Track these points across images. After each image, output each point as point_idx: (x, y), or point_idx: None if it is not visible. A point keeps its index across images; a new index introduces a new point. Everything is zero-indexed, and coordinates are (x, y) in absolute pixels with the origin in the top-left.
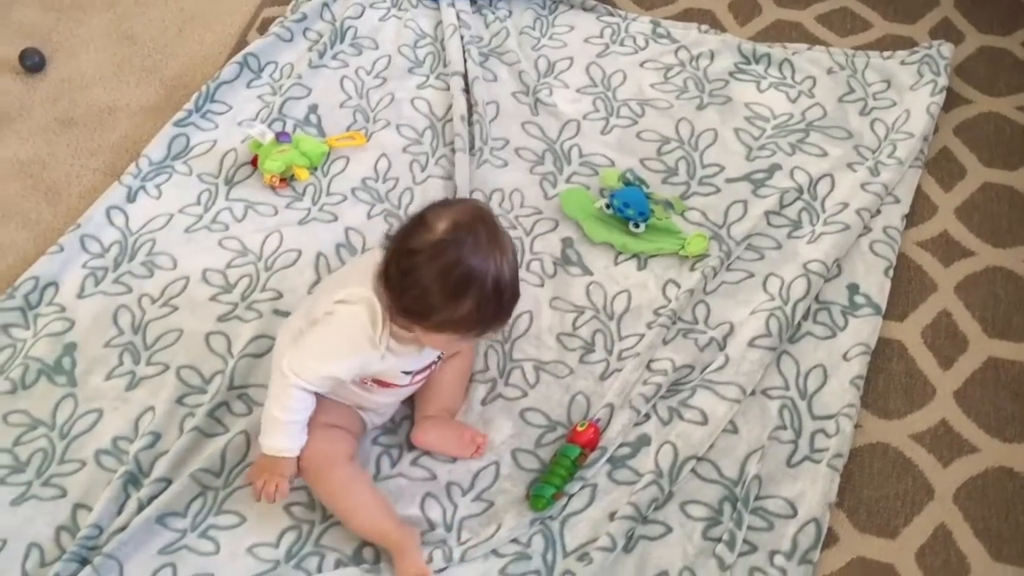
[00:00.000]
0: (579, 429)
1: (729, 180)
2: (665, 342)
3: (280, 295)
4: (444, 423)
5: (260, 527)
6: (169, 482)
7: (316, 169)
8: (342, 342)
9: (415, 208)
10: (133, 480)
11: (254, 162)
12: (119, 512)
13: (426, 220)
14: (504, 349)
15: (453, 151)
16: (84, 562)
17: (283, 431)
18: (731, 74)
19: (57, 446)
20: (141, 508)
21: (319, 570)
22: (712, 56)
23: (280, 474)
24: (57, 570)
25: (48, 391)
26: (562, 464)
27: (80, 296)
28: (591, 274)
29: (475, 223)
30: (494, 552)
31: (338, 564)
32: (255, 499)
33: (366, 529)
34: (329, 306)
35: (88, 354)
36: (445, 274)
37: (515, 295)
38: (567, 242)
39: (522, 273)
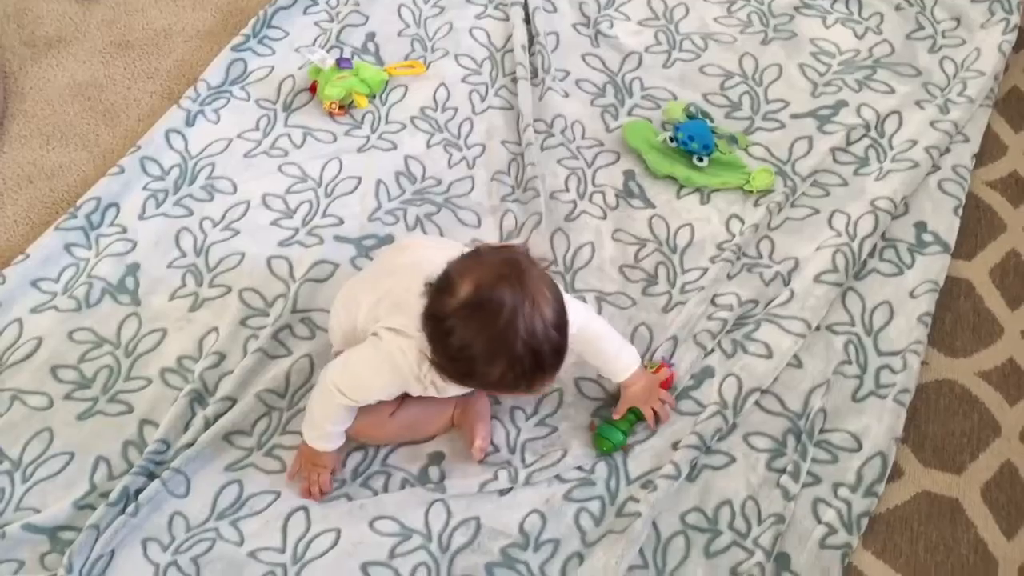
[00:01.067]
0: (651, 371)
1: (794, 116)
2: (729, 276)
3: (341, 221)
4: (471, 415)
5: None
6: (234, 401)
7: (375, 97)
8: (388, 373)
9: (475, 138)
10: (199, 398)
11: (312, 88)
12: (185, 429)
13: (451, 281)
14: (567, 280)
15: (514, 81)
16: (151, 476)
17: (326, 437)
18: (796, 8)
19: (122, 364)
20: (207, 426)
21: (385, 489)
22: None
23: (323, 466)
24: (126, 483)
25: (112, 310)
26: (632, 410)
27: (141, 218)
28: (653, 207)
29: (499, 281)
30: (558, 477)
31: (404, 484)
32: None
33: (432, 433)
34: (380, 328)
35: (151, 275)
36: (468, 345)
37: (556, 347)
38: (629, 175)
39: (583, 204)
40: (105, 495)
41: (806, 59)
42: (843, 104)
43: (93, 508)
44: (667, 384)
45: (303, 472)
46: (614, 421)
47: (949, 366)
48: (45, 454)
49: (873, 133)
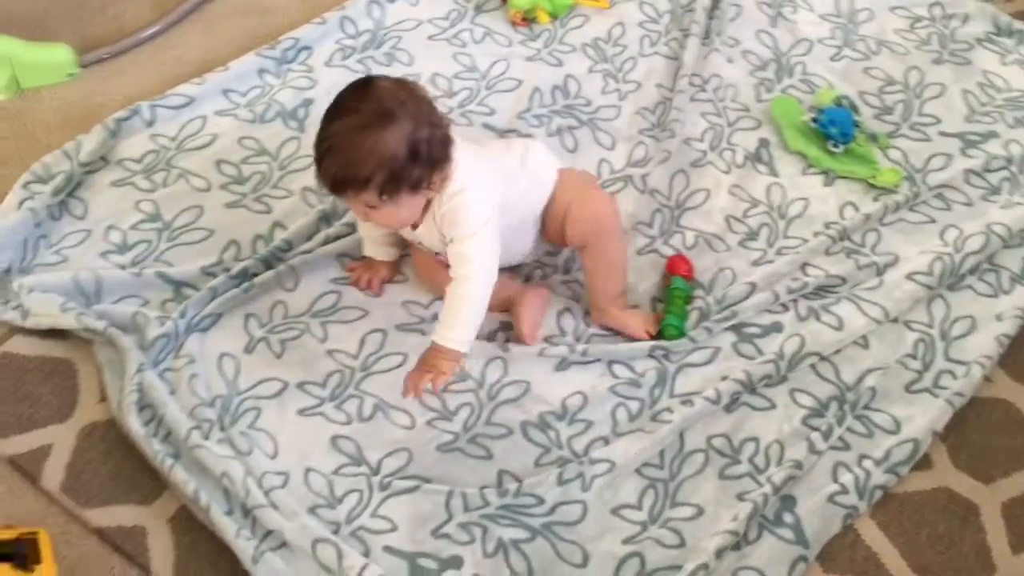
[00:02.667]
0: (675, 259)
1: (942, 133)
2: (827, 253)
3: (492, 112)
4: (522, 304)
5: (416, 290)
6: (354, 229)
7: (556, 19)
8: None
9: (633, 76)
10: (326, 219)
11: None
12: (308, 239)
13: None
14: (673, 214)
15: (686, 36)
16: (269, 266)
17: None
18: (979, 40)
19: (274, 174)
20: (327, 242)
21: None
22: (965, 19)
23: (446, 371)
24: (247, 264)
25: (280, 130)
26: (679, 297)
27: (327, 64)
28: (777, 176)
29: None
30: (610, 370)
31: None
32: (406, 394)
33: (495, 305)
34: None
35: (320, 112)
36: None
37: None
38: (763, 143)
39: (712, 156)
40: (228, 270)
41: (972, 87)
42: (993, 135)
43: (215, 276)
44: (691, 272)
45: (427, 378)
46: (670, 309)
47: (1011, 389)
48: (191, 225)
49: (1013, 168)
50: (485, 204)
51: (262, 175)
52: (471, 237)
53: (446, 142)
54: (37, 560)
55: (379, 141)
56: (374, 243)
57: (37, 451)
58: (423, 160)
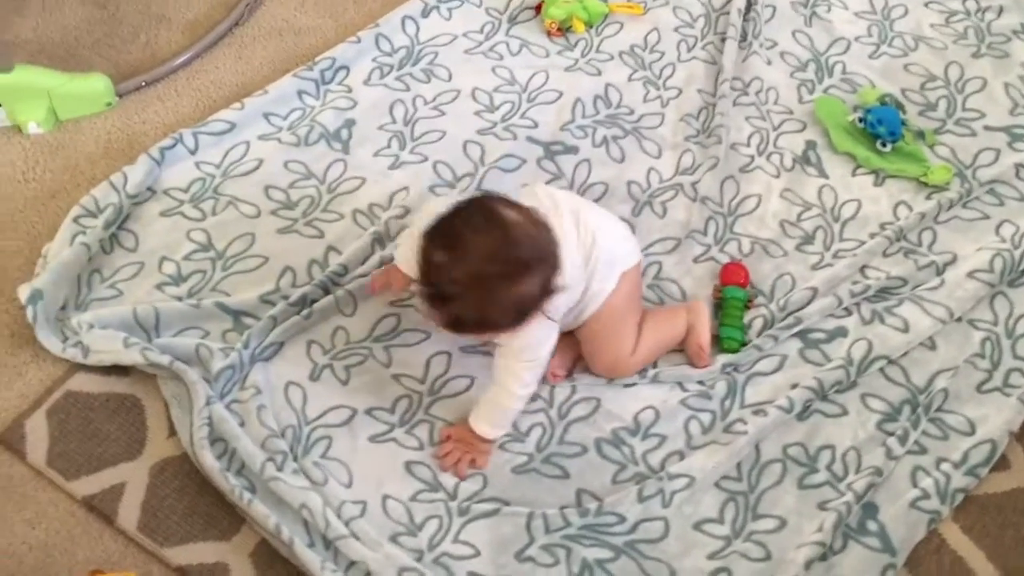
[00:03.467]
0: (730, 266)
1: (987, 128)
2: (884, 254)
3: (535, 124)
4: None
5: None
6: None
7: (591, 27)
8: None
9: (673, 82)
10: (379, 240)
11: (538, 8)
12: (363, 262)
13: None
14: (726, 221)
15: (723, 40)
16: (327, 292)
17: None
18: (1015, 32)
19: (323, 197)
20: (382, 264)
21: None
22: (1000, 11)
23: (485, 452)
24: (306, 291)
25: (324, 152)
26: (735, 306)
27: (366, 83)
28: (827, 178)
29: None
30: (680, 385)
31: None
32: (443, 470)
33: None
34: None
35: (363, 132)
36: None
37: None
38: (810, 144)
39: (760, 161)
40: (286, 297)
41: (1013, 79)
42: None
43: (274, 304)
44: (747, 279)
45: (458, 454)
46: (726, 320)
47: None
48: (245, 253)
49: None
50: (553, 331)
51: (311, 199)
52: (530, 362)
53: (559, 262)
54: None
55: (520, 295)
56: (408, 261)
57: (110, 490)
58: (551, 293)
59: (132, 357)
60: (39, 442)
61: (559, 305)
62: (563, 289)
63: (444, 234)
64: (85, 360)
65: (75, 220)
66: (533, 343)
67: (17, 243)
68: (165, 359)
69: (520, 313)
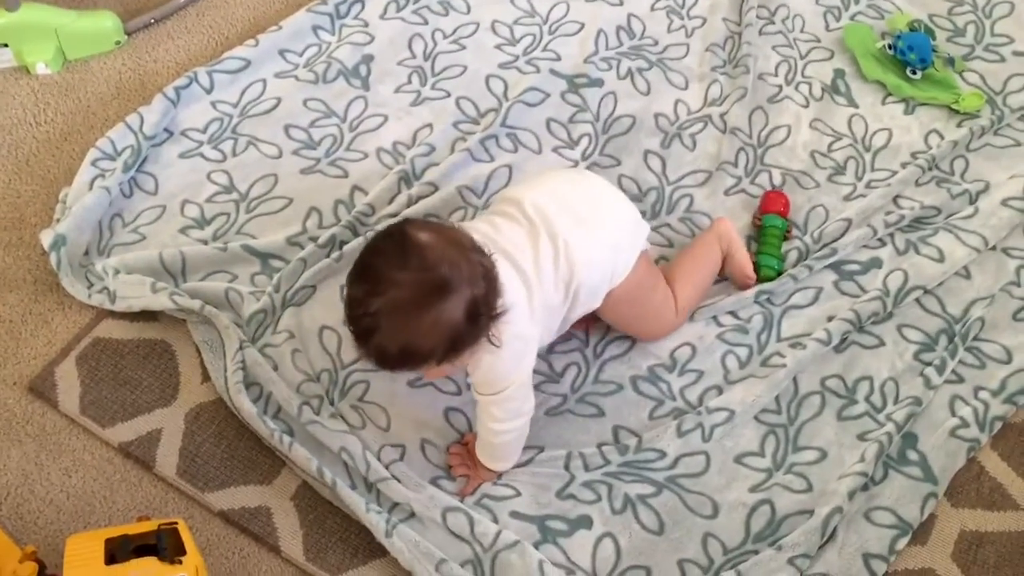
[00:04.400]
0: (771, 195)
1: (1016, 53)
2: (917, 184)
3: (558, 57)
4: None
5: None
6: (436, 188)
7: None
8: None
9: (697, 11)
10: (406, 179)
11: None
12: (390, 202)
13: None
14: (756, 153)
15: None
16: (355, 232)
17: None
18: None
19: (345, 136)
20: (410, 203)
21: None
22: None
23: (488, 479)
24: (335, 232)
25: (344, 90)
26: (773, 235)
27: (382, 17)
28: (856, 107)
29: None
30: (715, 319)
31: None
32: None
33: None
34: None
35: (382, 67)
36: None
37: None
38: (839, 73)
39: (788, 91)
40: (314, 239)
41: None
42: None
43: (302, 247)
44: (787, 209)
45: (464, 469)
46: (764, 249)
47: None
48: (268, 194)
49: None
50: (520, 361)
51: (333, 138)
52: (496, 395)
53: (496, 285)
54: (180, 551)
55: (439, 320)
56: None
57: (146, 437)
58: (483, 316)
59: (161, 302)
60: (70, 390)
61: (522, 331)
62: (502, 312)
63: (358, 269)
64: (112, 306)
65: (93, 163)
66: (492, 378)
67: (33, 188)
68: (196, 304)
69: (451, 340)
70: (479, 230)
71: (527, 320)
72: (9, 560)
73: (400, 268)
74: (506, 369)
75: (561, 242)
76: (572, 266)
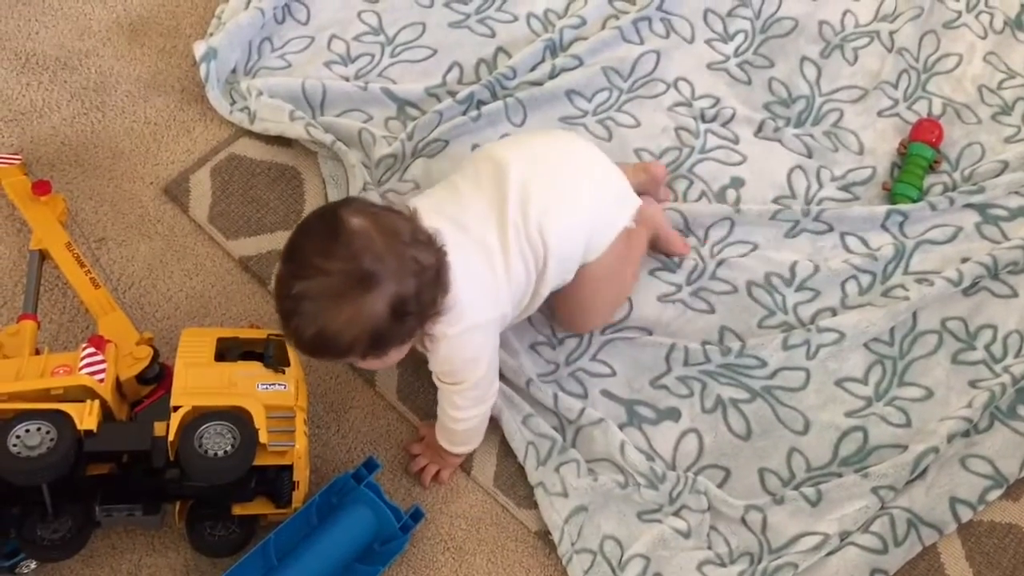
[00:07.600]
0: (924, 123)
1: None
2: None
3: None
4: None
5: None
6: (580, 63)
7: None
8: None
9: None
10: (552, 48)
11: None
12: (532, 69)
13: None
14: (920, 78)
15: None
16: (494, 94)
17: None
18: None
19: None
20: (552, 74)
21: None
22: None
23: (452, 465)
24: (474, 90)
25: None
26: (918, 164)
27: None
28: None
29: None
30: (843, 243)
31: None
32: (422, 486)
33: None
34: None
35: None
36: None
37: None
38: None
39: (967, 18)
40: (452, 93)
41: None
42: None
43: (440, 99)
44: (940, 140)
45: (426, 462)
46: (904, 177)
47: None
48: (414, 42)
49: None
50: (481, 348)
51: None
52: (457, 385)
53: (437, 280)
54: (285, 362)
55: (358, 313)
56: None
57: (266, 255)
58: (411, 315)
59: (296, 131)
60: (202, 198)
61: (480, 320)
62: (441, 312)
63: (287, 246)
64: (251, 126)
65: None
66: (451, 369)
67: (191, 0)
68: (328, 138)
69: (372, 336)
70: (440, 199)
71: (489, 307)
72: (127, 341)
73: (324, 255)
74: (464, 360)
75: (534, 210)
76: (544, 236)
